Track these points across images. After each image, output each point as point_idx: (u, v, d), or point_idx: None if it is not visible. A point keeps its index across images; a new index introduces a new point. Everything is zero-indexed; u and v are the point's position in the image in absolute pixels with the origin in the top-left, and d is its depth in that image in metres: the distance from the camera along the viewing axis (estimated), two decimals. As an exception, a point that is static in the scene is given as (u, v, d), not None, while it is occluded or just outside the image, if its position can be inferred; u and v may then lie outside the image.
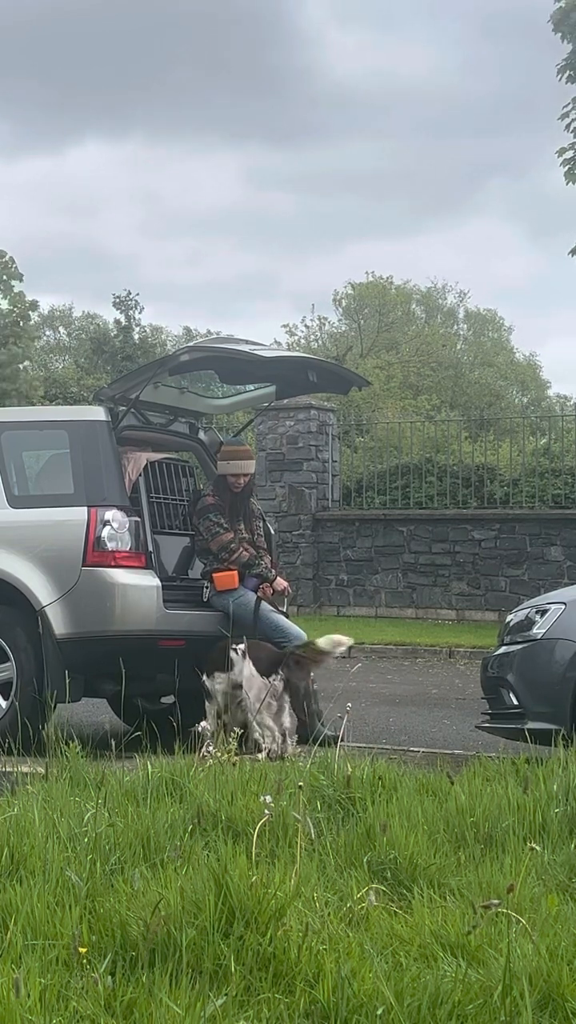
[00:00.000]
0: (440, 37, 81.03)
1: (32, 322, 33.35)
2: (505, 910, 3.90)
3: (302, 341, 51.29)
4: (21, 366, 32.02)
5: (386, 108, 79.35)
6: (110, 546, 8.70)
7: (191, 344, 10.89)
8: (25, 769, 6.72)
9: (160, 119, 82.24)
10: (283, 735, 8.36)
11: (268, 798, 4.79)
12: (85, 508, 8.77)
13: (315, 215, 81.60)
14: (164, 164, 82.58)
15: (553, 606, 8.29)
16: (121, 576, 8.72)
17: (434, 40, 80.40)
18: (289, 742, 8.35)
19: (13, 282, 31.90)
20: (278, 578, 9.46)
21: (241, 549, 9.34)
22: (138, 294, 39.62)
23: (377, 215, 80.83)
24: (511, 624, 8.57)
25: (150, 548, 9.03)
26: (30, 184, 79.55)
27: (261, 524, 9.90)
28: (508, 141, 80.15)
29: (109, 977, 3.71)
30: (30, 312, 32.48)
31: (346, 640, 8.53)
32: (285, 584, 9.57)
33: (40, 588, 8.72)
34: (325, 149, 79.31)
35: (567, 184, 22.37)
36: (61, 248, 79.69)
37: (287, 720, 8.44)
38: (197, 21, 77.98)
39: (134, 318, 38.04)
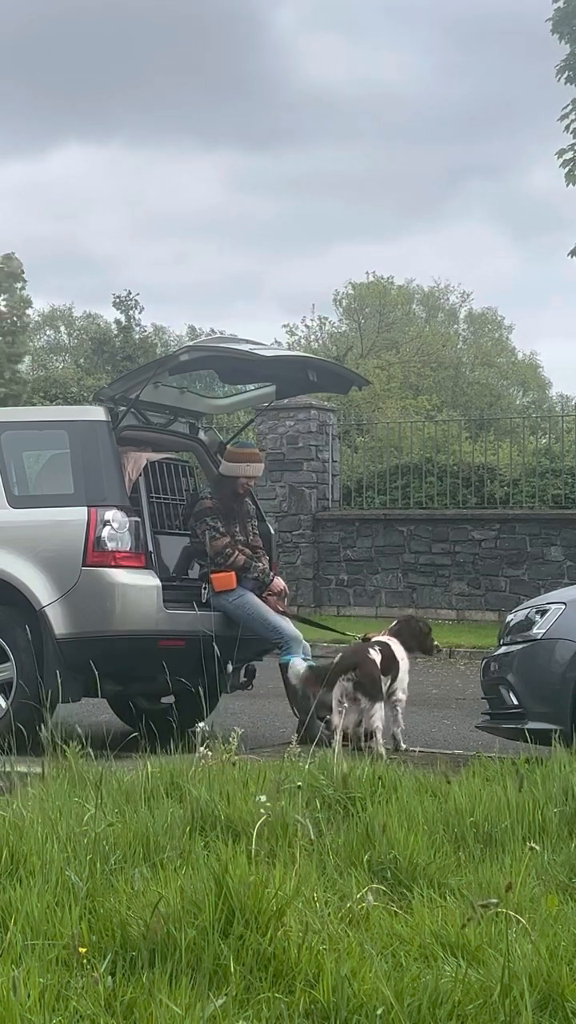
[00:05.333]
0: (410, 43, 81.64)
1: (28, 321, 33.30)
2: (505, 910, 3.90)
3: (302, 341, 51.27)
4: (22, 366, 32.01)
5: (360, 112, 79.90)
6: (110, 546, 8.70)
7: (191, 344, 10.89)
8: (24, 769, 6.72)
9: (140, 124, 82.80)
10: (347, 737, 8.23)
11: (263, 797, 4.79)
12: (85, 508, 8.77)
13: (297, 218, 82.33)
14: (146, 168, 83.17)
15: (553, 606, 8.29)
16: (121, 576, 8.72)
17: (404, 45, 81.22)
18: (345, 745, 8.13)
19: (17, 284, 31.93)
20: (275, 579, 9.45)
21: (237, 554, 9.34)
22: (138, 294, 39.56)
23: (358, 218, 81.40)
24: (511, 624, 8.57)
25: (150, 548, 9.03)
26: (11, 188, 79.67)
27: (257, 524, 9.89)
28: (484, 144, 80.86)
29: (109, 977, 3.71)
30: (26, 311, 32.45)
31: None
32: (282, 585, 9.56)
33: (40, 588, 8.72)
34: (303, 153, 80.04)
35: (567, 185, 22.41)
36: (46, 251, 79.80)
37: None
38: (172, 27, 78.55)
39: (134, 318, 38.02)
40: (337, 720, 8.11)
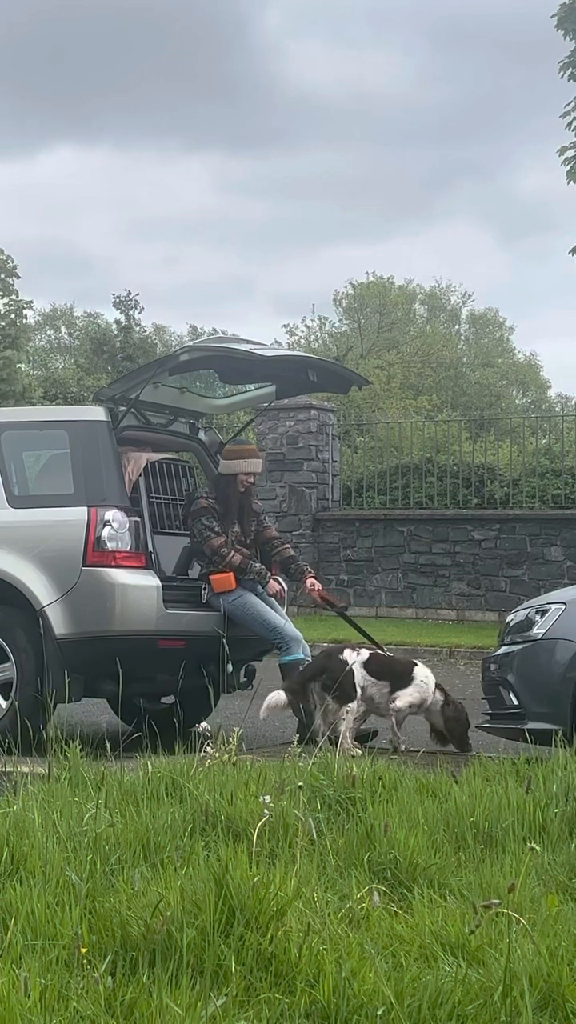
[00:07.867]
0: (395, 45, 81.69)
1: (27, 321, 33.17)
2: (505, 910, 3.90)
3: (302, 341, 51.28)
4: (21, 366, 31.96)
5: (347, 114, 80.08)
6: (110, 546, 8.70)
7: (191, 344, 10.89)
8: (25, 769, 6.72)
9: (128, 126, 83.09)
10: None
11: (267, 798, 4.79)
12: (85, 508, 8.78)
13: (287, 220, 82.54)
14: (135, 170, 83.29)
15: (553, 606, 8.29)
16: (121, 576, 8.72)
17: (390, 47, 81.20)
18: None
19: (10, 280, 31.83)
20: (271, 581, 9.42)
21: (232, 553, 9.32)
22: (138, 294, 39.49)
23: (348, 220, 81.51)
24: (511, 624, 8.57)
25: (150, 548, 9.03)
26: (2, 190, 79.79)
27: (257, 523, 9.85)
28: (474, 146, 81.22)
29: (109, 977, 3.71)
30: (25, 311, 32.32)
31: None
32: (277, 588, 9.52)
33: (40, 588, 8.73)
34: (291, 155, 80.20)
35: (568, 183, 22.39)
36: (37, 253, 79.92)
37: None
38: (160, 29, 78.69)
39: (134, 318, 38.00)
40: (318, 720, 8.21)
